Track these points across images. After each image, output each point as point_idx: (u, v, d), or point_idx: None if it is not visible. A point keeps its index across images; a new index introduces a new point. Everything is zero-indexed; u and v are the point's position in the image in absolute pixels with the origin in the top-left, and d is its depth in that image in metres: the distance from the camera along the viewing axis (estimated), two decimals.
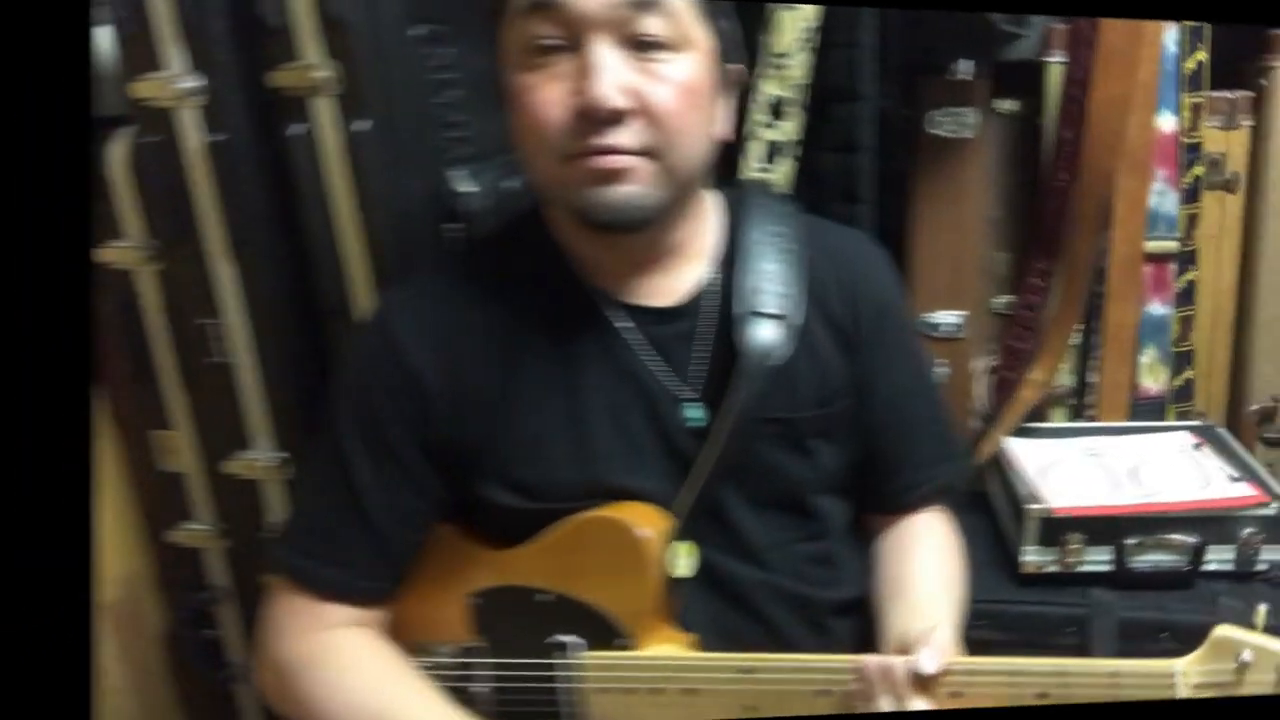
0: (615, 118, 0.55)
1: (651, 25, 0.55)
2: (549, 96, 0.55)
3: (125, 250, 0.75)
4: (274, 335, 0.76)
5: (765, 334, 0.62)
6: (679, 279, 0.64)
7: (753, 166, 0.87)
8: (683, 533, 0.62)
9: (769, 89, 0.87)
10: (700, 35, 0.58)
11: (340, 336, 0.76)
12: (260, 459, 0.76)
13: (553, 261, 0.64)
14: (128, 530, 0.81)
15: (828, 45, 0.88)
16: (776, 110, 0.87)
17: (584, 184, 0.57)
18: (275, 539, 0.67)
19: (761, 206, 0.68)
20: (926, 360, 0.76)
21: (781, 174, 0.87)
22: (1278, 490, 0.95)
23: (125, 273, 0.76)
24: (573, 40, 0.55)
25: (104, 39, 0.73)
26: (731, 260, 0.65)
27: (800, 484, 0.66)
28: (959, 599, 0.68)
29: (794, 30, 0.86)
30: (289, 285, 0.76)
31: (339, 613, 0.62)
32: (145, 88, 0.71)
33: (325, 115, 0.72)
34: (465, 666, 0.64)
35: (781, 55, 0.86)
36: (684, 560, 0.62)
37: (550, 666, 0.62)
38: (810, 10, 0.85)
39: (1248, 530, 0.93)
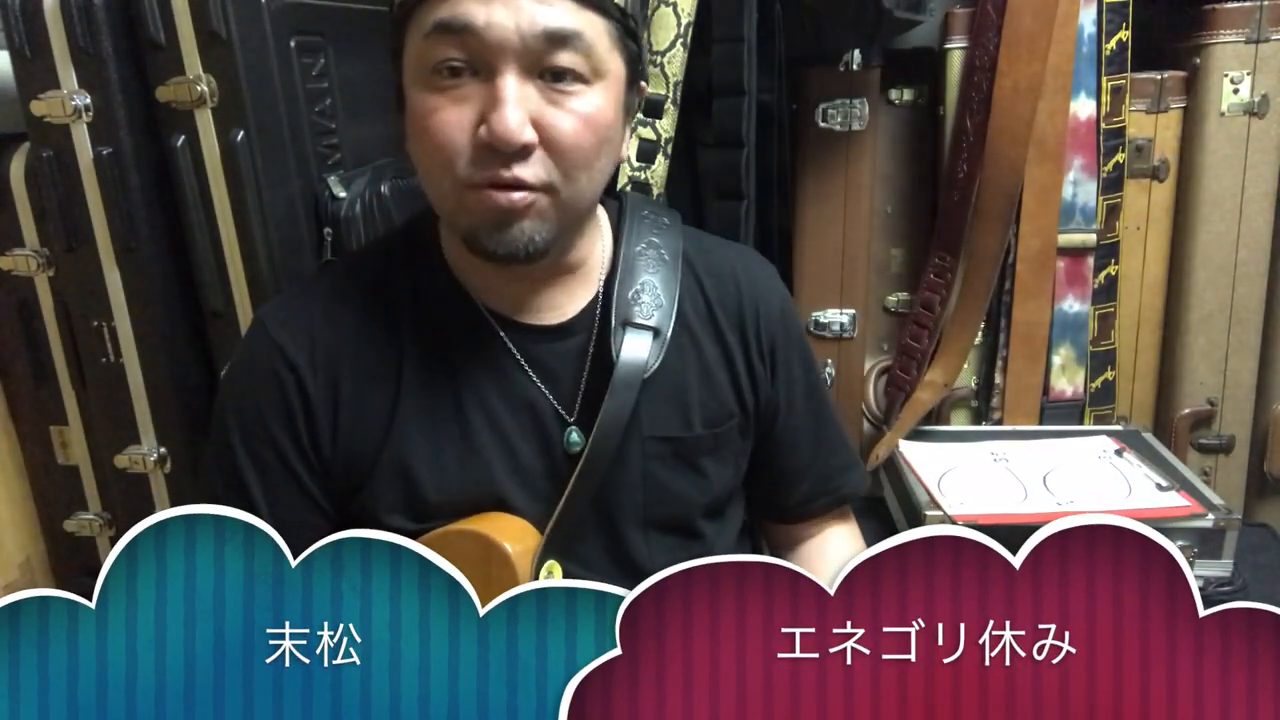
0: (521, 153, 0.66)
1: (565, 59, 0.66)
2: (452, 120, 0.66)
3: (23, 257, 1.06)
4: (159, 335, 1.06)
5: (637, 345, 0.76)
6: (569, 297, 0.79)
7: (632, 166, 1.14)
8: (558, 551, 0.75)
9: (649, 87, 1.14)
10: (614, 64, 0.69)
11: (221, 336, 1.05)
12: (145, 453, 1.06)
13: (442, 278, 0.78)
14: (26, 518, 1.13)
15: (710, 40, 1.15)
16: (655, 108, 1.14)
17: (481, 216, 0.68)
18: None
19: (642, 218, 0.83)
20: (818, 368, 0.94)
21: (658, 173, 1.14)
22: (1213, 500, 1.16)
23: (23, 278, 1.07)
24: (482, 66, 0.66)
25: (1, 61, 1.03)
26: (613, 275, 0.79)
27: (691, 504, 0.81)
28: None
29: (674, 27, 1.13)
30: (174, 288, 1.06)
31: None
32: (41, 106, 1.01)
33: (206, 126, 1.02)
34: None
35: (661, 53, 1.14)
36: (553, 577, 0.74)
37: None
38: (689, 5, 1.12)
39: (1179, 543, 1.12)
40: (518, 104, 0.65)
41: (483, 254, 0.71)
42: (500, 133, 0.64)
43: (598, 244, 0.82)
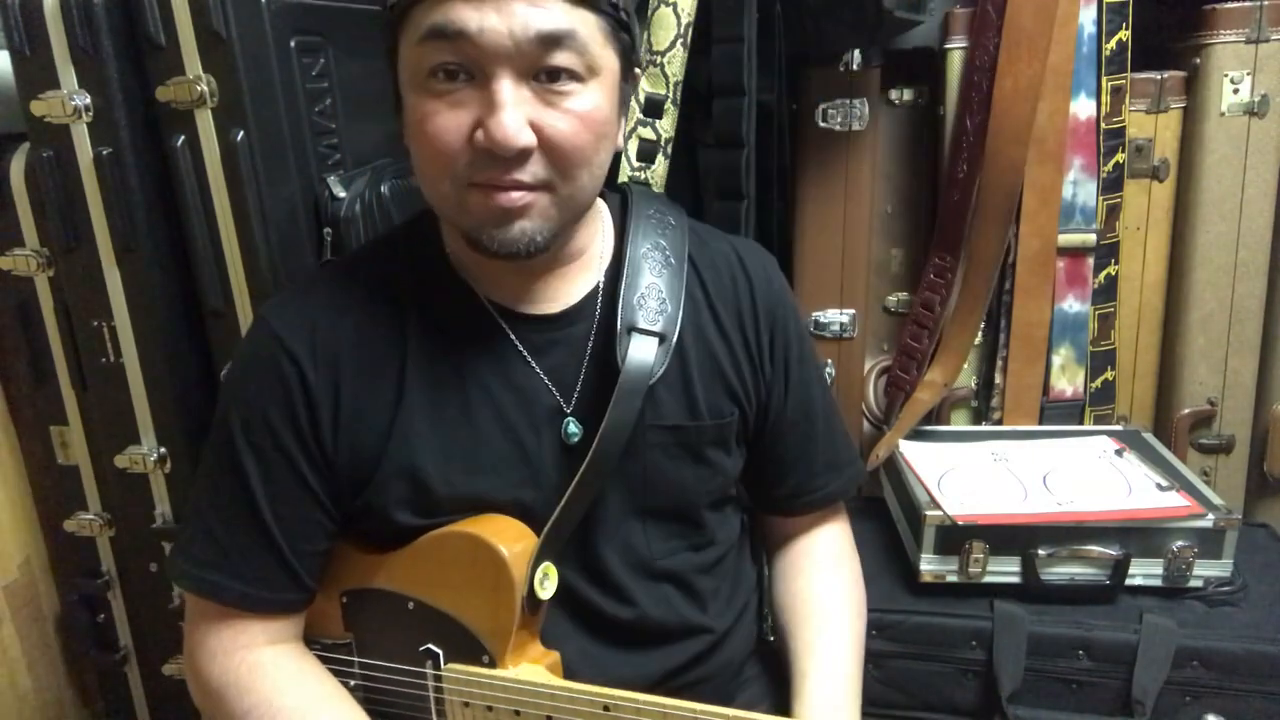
0: (520, 156, 0.67)
1: (560, 59, 0.66)
2: (449, 124, 0.67)
3: (23, 257, 1.06)
4: (159, 335, 1.06)
5: (643, 351, 0.77)
6: (569, 285, 0.80)
7: (632, 165, 1.14)
8: (555, 553, 0.76)
9: (649, 87, 1.14)
10: (608, 60, 0.70)
11: (221, 336, 1.06)
12: (145, 453, 1.06)
13: (443, 272, 0.79)
14: (26, 518, 1.14)
15: (710, 40, 1.15)
16: (655, 108, 1.14)
17: (480, 215, 0.70)
18: (175, 549, 0.81)
19: (648, 218, 0.84)
20: (819, 366, 0.93)
21: (658, 172, 1.14)
22: (1213, 500, 1.15)
23: (23, 278, 1.07)
24: (476, 71, 0.66)
25: (1, 61, 1.03)
26: (617, 271, 0.80)
27: (693, 493, 0.83)
28: (857, 648, 0.86)
29: (674, 27, 1.13)
30: (174, 288, 1.06)
31: (255, 627, 0.77)
32: (41, 106, 1.01)
33: (206, 126, 1.02)
34: (340, 661, 0.83)
35: (661, 53, 1.13)
36: (549, 580, 0.75)
37: (419, 673, 0.78)
38: (689, 5, 1.12)
39: (1179, 543, 1.09)
40: (514, 108, 0.66)
41: (484, 251, 0.72)
42: (499, 139, 0.65)
43: (598, 234, 0.82)
